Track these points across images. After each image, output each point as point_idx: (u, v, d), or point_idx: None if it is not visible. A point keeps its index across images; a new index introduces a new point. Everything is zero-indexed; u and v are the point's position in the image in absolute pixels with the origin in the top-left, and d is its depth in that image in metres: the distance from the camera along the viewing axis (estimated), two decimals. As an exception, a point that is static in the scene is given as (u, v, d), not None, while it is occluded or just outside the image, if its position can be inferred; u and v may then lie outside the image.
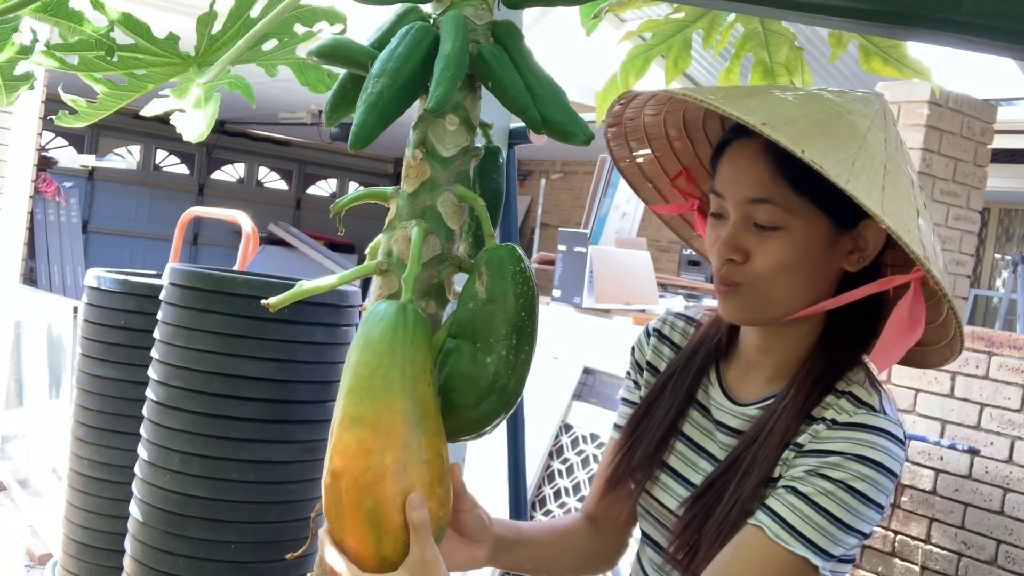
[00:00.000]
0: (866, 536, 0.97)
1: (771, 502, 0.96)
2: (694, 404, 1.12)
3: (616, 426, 1.22)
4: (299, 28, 1.27)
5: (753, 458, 0.99)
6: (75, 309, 3.85)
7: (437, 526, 0.87)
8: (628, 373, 1.23)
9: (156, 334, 2.13)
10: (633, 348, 1.23)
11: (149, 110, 1.31)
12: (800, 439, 0.99)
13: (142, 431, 2.13)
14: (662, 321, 1.22)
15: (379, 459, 0.84)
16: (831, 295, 1.02)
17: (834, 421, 0.97)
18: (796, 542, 0.93)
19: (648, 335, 1.22)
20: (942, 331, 1.02)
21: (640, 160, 1.19)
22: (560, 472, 3.39)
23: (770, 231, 0.98)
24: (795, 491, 0.95)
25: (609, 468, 1.15)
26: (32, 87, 1.30)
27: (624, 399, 1.23)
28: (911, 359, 1.06)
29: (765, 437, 1.00)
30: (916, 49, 1.32)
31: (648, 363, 1.20)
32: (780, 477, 0.98)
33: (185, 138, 1.36)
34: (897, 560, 3.30)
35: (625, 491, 1.16)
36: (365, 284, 1.04)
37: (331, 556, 0.87)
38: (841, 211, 0.97)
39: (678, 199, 1.20)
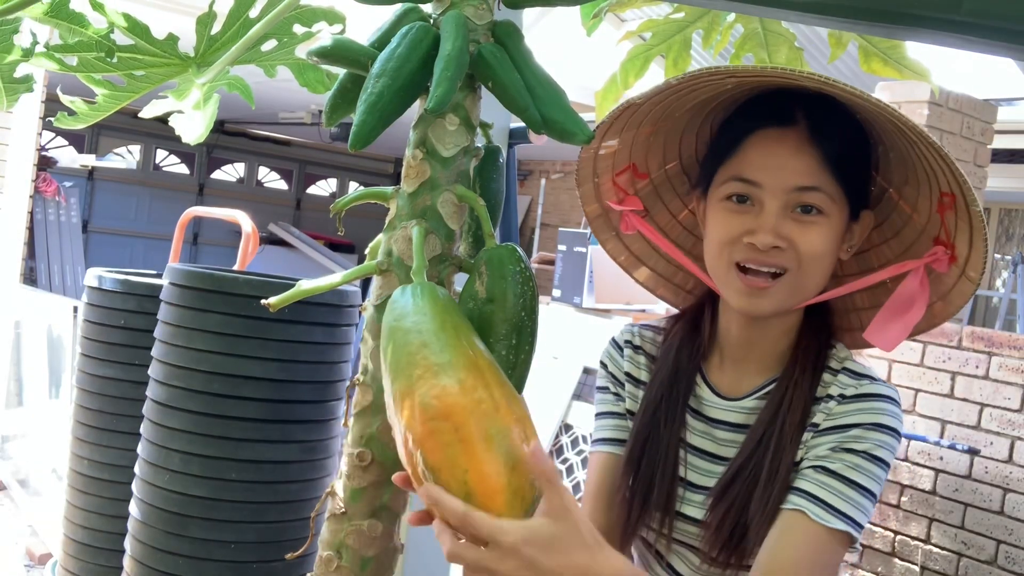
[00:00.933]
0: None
1: (804, 484, 0.98)
2: (690, 412, 1.12)
3: (602, 440, 1.18)
4: (298, 28, 1.27)
5: (778, 443, 1.01)
6: (75, 309, 3.85)
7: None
8: (603, 388, 1.21)
9: (156, 334, 2.13)
10: (603, 363, 1.22)
11: (148, 111, 1.31)
12: (815, 419, 1.02)
13: (142, 431, 2.13)
14: (629, 333, 1.22)
15: (488, 393, 0.78)
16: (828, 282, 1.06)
17: (843, 396, 1.01)
18: (835, 519, 0.96)
19: (620, 347, 1.21)
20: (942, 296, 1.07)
21: (602, 152, 1.16)
22: (560, 472, 3.40)
23: (814, 217, 1.00)
24: (825, 470, 0.98)
25: (623, 513, 1.11)
26: (32, 90, 1.30)
27: (605, 413, 1.20)
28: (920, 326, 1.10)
29: (783, 421, 1.02)
30: (916, 49, 1.32)
31: (627, 374, 1.19)
32: (801, 460, 1.01)
33: (184, 139, 1.36)
34: (897, 560, 3.30)
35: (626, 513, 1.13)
36: (365, 284, 1.04)
37: (450, 503, 0.74)
38: (857, 201, 1.03)
39: (611, 197, 1.18)
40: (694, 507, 1.07)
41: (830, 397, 1.02)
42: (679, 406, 1.11)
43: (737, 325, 1.09)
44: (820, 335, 1.07)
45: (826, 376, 1.04)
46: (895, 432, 0.99)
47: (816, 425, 1.01)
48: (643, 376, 1.18)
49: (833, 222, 1.01)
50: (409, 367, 0.80)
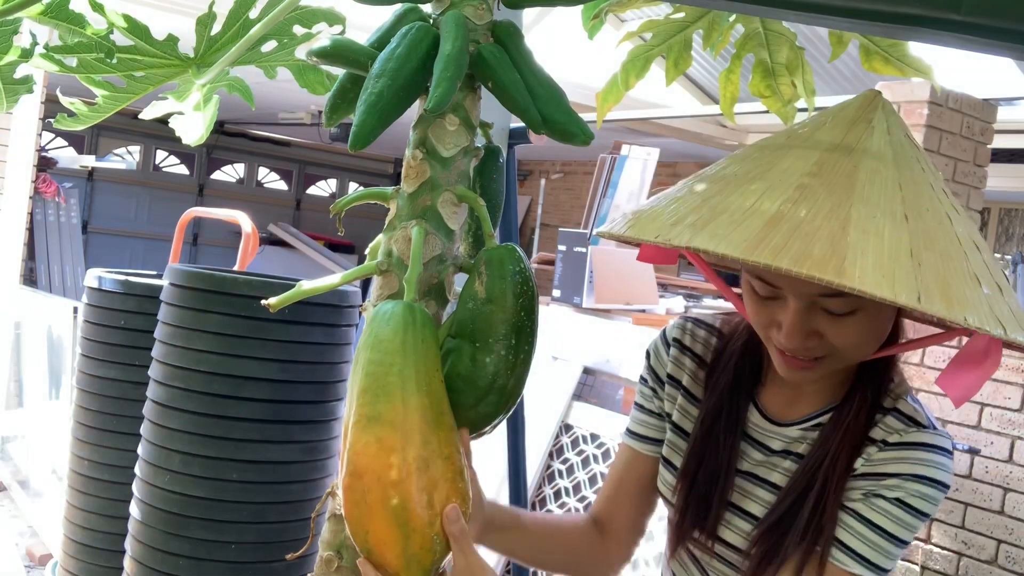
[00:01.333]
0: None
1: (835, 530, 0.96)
2: (741, 435, 1.08)
3: (632, 433, 1.18)
4: (298, 29, 1.27)
5: (822, 488, 0.97)
6: (75, 309, 3.85)
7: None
8: (644, 379, 1.18)
9: (156, 334, 2.13)
10: (649, 353, 1.18)
11: (148, 113, 1.31)
12: (855, 463, 0.98)
13: (142, 431, 2.13)
14: (681, 329, 1.16)
15: (401, 456, 0.82)
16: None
17: (885, 442, 0.97)
18: (855, 563, 0.95)
19: (667, 344, 1.16)
20: None
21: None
22: (560, 472, 3.39)
23: (845, 316, 0.92)
24: (854, 513, 0.96)
25: (675, 520, 1.10)
26: (31, 91, 1.30)
27: (640, 406, 1.18)
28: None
29: (832, 462, 0.98)
30: (916, 48, 1.31)
31: (669, 376, 1.15)
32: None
33: (184, 141, 1.35)
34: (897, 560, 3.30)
35: (647, 503, 1.14)
36: (365, 284, 1.04)
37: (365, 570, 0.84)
38: None
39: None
40: (735, 533, 1.05)
41: (873, 441, 0.98)
42: (736, 431, 1.07)
43: None
44: (876, 369, 1.01)
45: (876, 415, 0.99)
46: (938, 484, 0.94)
47: (854, 469, 0.98)
48: (685, 380, 1.13)
49: (871, 310, 0.92)
50: (352, 405, 0.86)
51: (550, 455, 3.44)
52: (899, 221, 0.82)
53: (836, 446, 0.98)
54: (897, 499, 0.94)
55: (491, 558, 3.31)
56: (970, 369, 0.90)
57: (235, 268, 3.33)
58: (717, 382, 1.10)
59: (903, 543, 0.95)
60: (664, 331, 1.18)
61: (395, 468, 0.82)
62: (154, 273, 2.86)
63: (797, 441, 1.03)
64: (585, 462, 3.32)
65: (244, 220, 3.83)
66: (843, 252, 0.77)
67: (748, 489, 1.06)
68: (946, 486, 0.95)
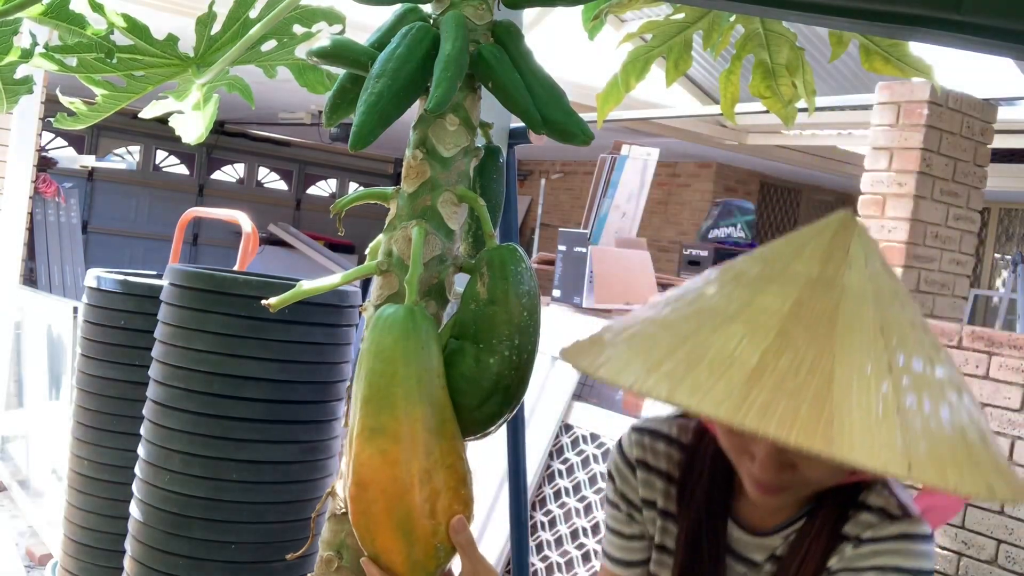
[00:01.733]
0: None
1: None
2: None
3: (613, 559, 1.13)
4: (298, 29, 1.27)
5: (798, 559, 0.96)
6: (75, 309, 3.85)
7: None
8: (615, 504, 1.12)
9: (156, 334, 2.13)
10: (613, 477, 1.12)
11: (148, 112, 1.31)
12: (830, 562, 0.96)
13: (142, 431, 2.13)
14: (641, 448, 1.11)
15: (405, 469, 0.85)
16: None
17: (859, 538, 0.95)
18: None
19: (632, 467, 1.11)
20: None
21: None
22: (560, 472, 3.39)
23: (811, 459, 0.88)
24: None
25: None
26: (31, 91, 1.30)
27: (618, 532, 1.13)
28: None
29: (802, 562, 0.97)
30: (916, 48, 1.31)
31: (643, 499, 1.10)
32: None
33: (184, 140, 1.35)
34: None
35: None
36: (365, 284, 1.04)
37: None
38: None
39: None
40: None
41: (846, 538, 0.96)
42: (718, 547, 1.04)
43: None
44: (853, 473, 0.96)
45: (849, 512, 0.97)
46: (914, 572, 0.93)
47: (828, 569, 0.96)
48: (659, 501, 1.09)
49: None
50: (356, 414, 0.88)
51: (550, 455, 3.44)
52: (883, 372, 0.78)
53: (807, 546, 0.97)
54: None
55: (491, 557, 3.31)
56: (947, 501, 0.89)
57: (235, 268, 3.33)
58: (692, 499, 1.06)
59: None
60: (622, 451, 1.13)
61: (399, 481, 0.84)
62: (154, 273, 2.86)
63: (781, 548, 1.02)
64: (585, 462, 3.32)
65: (244, 220, 3.83)
66: (830, 416, 0.74)
67: None
68: (927, 572, 0.94)
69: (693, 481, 1.06)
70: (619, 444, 1.13)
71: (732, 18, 1.37)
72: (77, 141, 10.81)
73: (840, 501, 0.97)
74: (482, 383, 0.91)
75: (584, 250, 4.01)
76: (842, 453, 0.72)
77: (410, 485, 0.85)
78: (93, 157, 10.27)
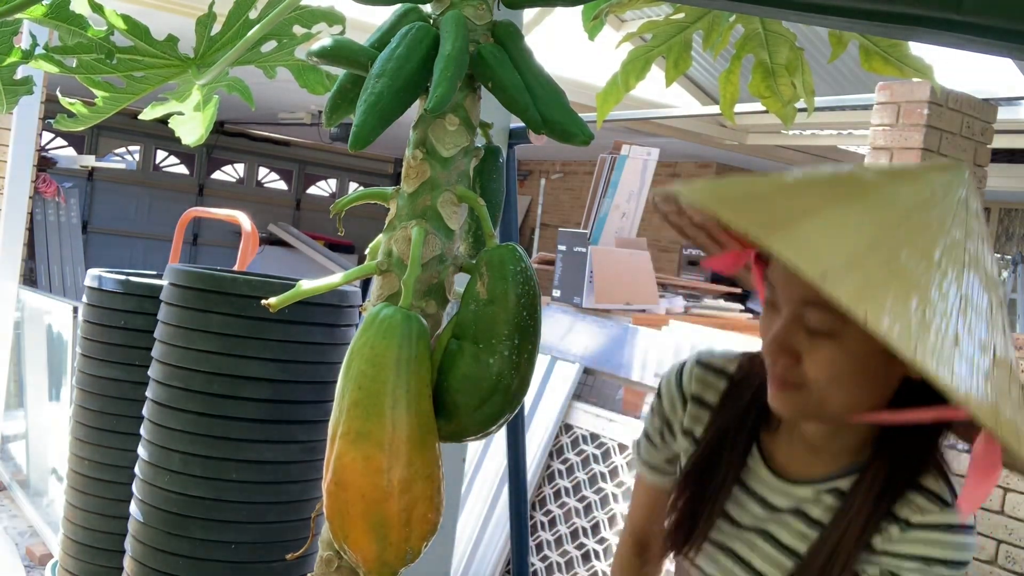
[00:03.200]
0: None
1: None
2: (738, 484, 1.05)
3: (648, 465, 1.15)
4: (298, 29, 1.27)
5: (838, 556, 0.94)
6: (75, 309, 3.85)
7: (432, 532, 0.91)
8: (656, 420, 1.14)
9: (156, 334, 2.13)
10: (662, 397, 1.13)
11: (148, 114, 1.31)
12: (873, 540, 0.95)
13: (142, 431, 2.13)
14: (702, 384, 1.10)
15: (386, 477, 0.86)
16: (892, 395, 0.94)
17: (907, 522, 0.93)
18: None
19: (684, 399, 1.11)
20: None
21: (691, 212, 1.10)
22: (560, 472, 3.39)
23: (822, 338, 0.89)
24: None
25: (670, 533, 1.09)
26: (31, 92, 1.30)
27: (650, 439, 1.15)
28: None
29: (850, 534, 0.94)
30: (916, 48, 1.31)
31: (685, 430, 1.11)
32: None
33: (184, 142, 1.36)
34: None
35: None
36: (365, 284, 1.04)
37: None
38: None
39: (731, 244, 1.08)
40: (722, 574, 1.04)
41: (896, 519, 0.94)
42: (732, 472, 1.04)
43: None
44: (908, 443, 0.96)
45: (906, 491, 0.94)
46: (959, 565, 0.92)
47: (871, 546, 0.95)
48: (699, 432, 1.10)
49: (848, 344, 0.88)
50: (340, 417, 0.88)
51: (550, 455, 3.44)
52: (946, 294, 0.78)
53: (851, 516, 0.94)
54: None
55: (491, 557, 3.31)
56: (977, 479, 0.83)
57: (235, 268, 3.33)
58: (721, 421, 1.07)
59: None
60: (680, 380, 1.12)
61: (379, 488, 0.86)
62: (154, 273, 2.86)
63: (811, 503, 0.99)
64: (585, 462, 3.32)
65: (244, 220, 3.84)
66: (841, 264, 0.74)
67: (756, 544, 1.02)
68: (966, 563, 0.93)
69: (728, 407, 1.07)
70: (679, 371, 1.12)
71: (732, 18, 1.37)
72: (77, 141, 10.81)
73: (889, 471, 0.95)
74: (482, 383, 0.91)
75: (584, 250, 4.01)
76: (826, 286, 0.70)
77: (390, 494, 0.86)
78: (93, 157, 10.28)
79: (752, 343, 1.04)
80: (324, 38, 0.96)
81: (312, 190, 12.87)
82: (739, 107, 1.53)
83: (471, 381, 0.91)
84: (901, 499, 0.94)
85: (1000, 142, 4.54)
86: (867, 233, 0.79)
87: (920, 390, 0.88)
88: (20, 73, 1.27)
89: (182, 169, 11.75)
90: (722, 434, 1.06)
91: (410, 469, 0.87)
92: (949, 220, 0.82)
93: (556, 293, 4.09)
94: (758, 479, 1.03)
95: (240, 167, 12.22)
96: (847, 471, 0.98)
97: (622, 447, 3.22)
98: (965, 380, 0.75)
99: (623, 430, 3.24)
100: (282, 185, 12.63)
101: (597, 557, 3.14)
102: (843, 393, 0.91)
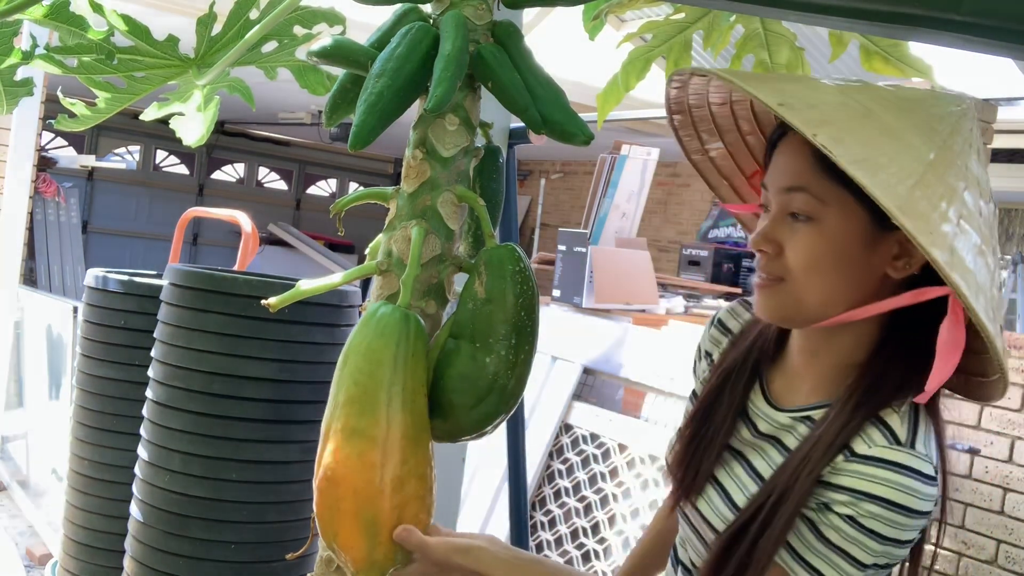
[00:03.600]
0: (891, 565, 0.92)
1: (792, 538, 0.92)
2: (742, 413, 1.06)
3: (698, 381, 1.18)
4: (299, 30, 1.27)
5: (785, 489, 0.92)
6: (75, 309, 3.85)
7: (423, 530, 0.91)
8: (699, 349, 1.19)
9: (156, 334, 2.13)
10: (705, 332, 1.18)
11: (148, 114, 1.31)
12: (823, 471, 0.92)
13: (142, 431, 2.13)
14: (730, 310, 1.15)
15: (380, 475, 0.86)
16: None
17: (852, 452, 0.90)
18: (802, 571, 0.91)
19: (712, 323, 1.17)
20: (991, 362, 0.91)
21: (714, 155, 1.14)
22: (560, 472, 3.39)
23: (803, 222, 0.92)
24: (808, 522, 0.91)
25: (673, 471, 1.09)
26: (32, 93, 1.30)
27: (694, 368, 1.19)
28: (966, 389, 1.00)
29: (803, 464, 0.92)
30: (916, 48, 1.32)
31: (706, 352, 1.16)
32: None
33: (185, 142, 1.36)
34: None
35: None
36: (365, 284, 1.04)
37: None
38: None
39: (755, 199, 1.12)
40: (713, 511, 1.03)
41: (845, 448, 0.91)
42: (735, 404, 1.05)
43: (797, 333, 1.02)
44: (882, 377, 0.94)
45: (867, 425, 0.92)
46: (900, 508, 0.87)
47: (821, 478, 0.92)
48: (716, 355, 1.14)
49: (827, 228, 0.91)
50: (334, 413, 0.89)
51: (550, 455, 3.44)
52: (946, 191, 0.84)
53: (810, 449, 0.93)
54: (849, 516, 0.88)
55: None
56: (938, 365, 0.87)
57: (235, 268, 3.33)
58: (734, 351, 1.09)
59: (861, 564, 0.88)
60: (722, 319, 1.16)
61: (372, 486, 0.85)
62: (154, 273, 2.86)
63: (785, 430, 1.00)
64: (585, 462, 3.32)
65: (244, 220, 3.84)
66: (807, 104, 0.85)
67: (733, 468, 1.03)
68: (913, 511, 0.88)
69: (743, 337, 1.09)
70: (728, 308, 1.16)
71: (732, 18, 1.37)
72: (77, 141, 10.81)
73: (858, 403, 0.93)
74: (479, 383, 0.91)
75: (584, 250, 4.01)
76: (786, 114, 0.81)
77: (382, 491, 0.86)
78: (93, 157, 10.28)
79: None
80: (324, 38, 0.96)
81: (312, 190, 12.87)
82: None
83: (467, 380, 0.91)
84: (861, 432, 0.91)
85: (1000, 142, 4.54)
86: (840, 94, 0.88)
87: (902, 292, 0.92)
88: (20, 73, 1.27)
89: (182, 169, 11.75)
90: (729, 368, 1.07)
91: (404, 467, 0.87)
92: (929, 119, 0.89)
93: (556, 293, 4.09)
94: (754, 406, 1.05)
95: (240, 167, 12.22)
96: (824, 403, 0.98)
97: (622, 447, 3.22)
98: (927, 222, 0.81)
99: (623, 430, 3.24)
100: (282, 185, 12.63)
101: (597, 557, 3.14)
102: (817, 284, 0.92)
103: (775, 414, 1.02)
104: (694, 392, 1.18)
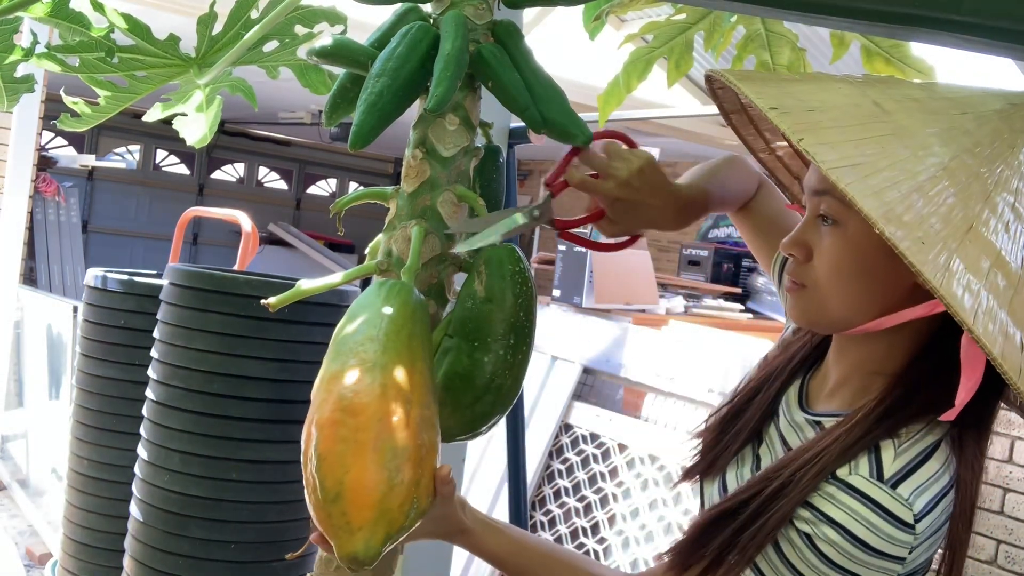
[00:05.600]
0: None
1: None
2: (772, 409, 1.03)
3: None
4: (300, 29, 1.27)
5: (786, 482, 0.89)
6: (75, 309, 3.85)
7: (422, 515, 0.81)
8: None
9: (156, 334, 2.13)
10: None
11: (151, 115, 1.32)
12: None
13: (142, 431, 2.13)
14: None
15: (405, 408, 0.76)
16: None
17: (833, 473, 0.87)
18: (751, 574, 0.89)
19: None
20: None
21: (780, 153, 1.12)
22: (560, 472, 3.39)
23: (830, 226, 0.90)
24: (781, 532, 0.88)
25: (689, 465, 1.07)
26: (32, 90, 1.30)
27: None
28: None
29: (807, 463, 0.88)
30: (917, 49, 1.32)
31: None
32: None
33: (188, 142, 1.36)
34: None
35: None
36: (365, 284, 1.04)
37: None
38: None
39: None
40: (710, 503, 1.02)
41: (831, 474, 0.87)
42: (771, 403, 1.02)
43: (833, 336, 1.00)
44: (908, 394, 0.89)
45: (859, 452, 0.87)
46: (858, 542, 0.83)
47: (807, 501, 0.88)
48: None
49: (850, 234, 0.88)
50: (347, 354, 0.81)
51: (550, 455, 3.44)
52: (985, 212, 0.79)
53: (825, 447, 0.88)
54: (806, 535, 0.85)
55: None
56: (966, 375, 0.83)
57: (235, 268, 3.33)
58: (783, 354, 1.06)
59: None
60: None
61: (397, 415, 0.75)
62: (154, 273, 2.86)
63: (794, 430, 0.98)
64: (585, 462, 3.32)
65: (244, 220, 3.84)
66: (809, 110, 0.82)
67: (743, 463, 1.01)
68: (874, 549, 0.83)
69: (796, 341, 1.07)
70: None
71: (733, 19, 1.37)
72: (77, 140, 10.81)
73: (881, 421, 0.88)
74: (475, 381, 0.91)
75: (584, 250, 4.01)
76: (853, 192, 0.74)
77: (408, 423, 0.76)
78: (93, 156, 10.28)
79: (752, 342, 1.05)
80: (325, 37, 0.96)
81: (312, 190, 12.87)
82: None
83: (464, 379, 0.91)
84: (852, 458, 0.87)
85: (1000, 143, 4.53)
86: (848, 95, 0.85)
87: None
88: (21, 71, 1.27)
89: (182, 169, 11.74)
90: (774, 366, 1.05)
91: (428, 410, 0.79)
92: (983, 142, 0.83)
93: (556, 293, 4.09)
94: (786, 401, 1.02)
95: (240, 167, 12.22)
96: (839, 412, 0.95)
97: (622, 447, 3.22)
98: (923, 231, 0.76)
99: (623, 430, 3.24)
100: (282, 185, 12.63)
101: (597, 557, 3.13)
102: (841, 290, 0.90)
103: (796, 412, 0.99)
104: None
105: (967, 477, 0.89)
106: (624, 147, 1.01)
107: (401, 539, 0.79)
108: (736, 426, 1.03)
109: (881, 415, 0.88)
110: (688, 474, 1.06)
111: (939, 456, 0.87)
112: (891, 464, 0.86)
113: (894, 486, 0.85)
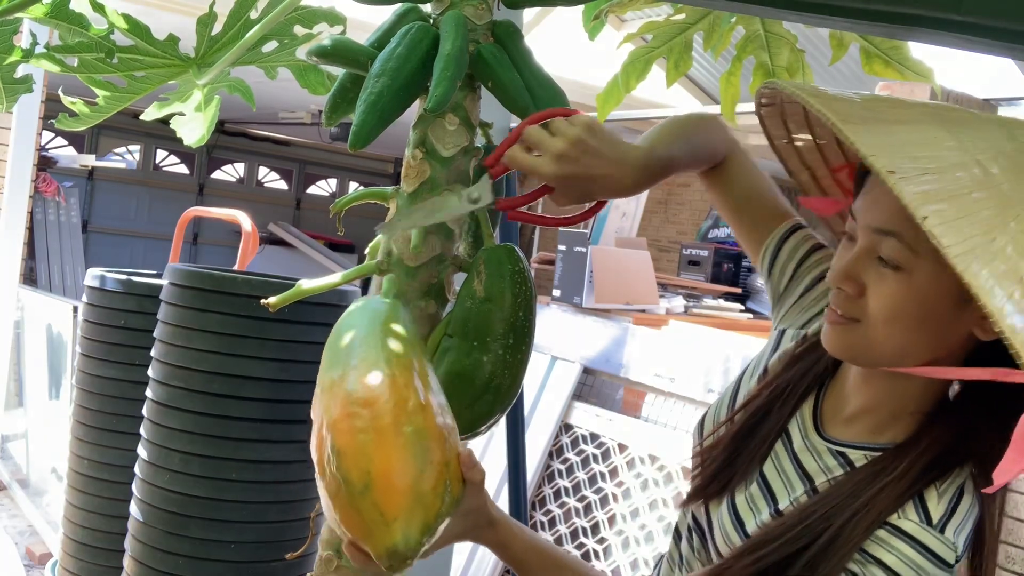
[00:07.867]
0: None
1: None
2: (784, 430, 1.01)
3: None
4: (299, 29, 1.27)
5: (841, 527, 0.86)
6: (75, 309, 3.85)
7: (455, 503, 0.78)
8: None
9: (156, 334, 2.13)
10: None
11: (149, 114, 1.32)
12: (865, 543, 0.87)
13: (142, 431, 2.13)
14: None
15: (420, 395, 0.74)
16: (952, 361, 0.87)
17: (885, 521, 0.86)
18: None
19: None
20: None
21: (799, 144, 1.10)
22: (560, 472, 3.39)
23: (890, 269, 0.85)
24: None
25: (696, 479, 1.04)
26: (31, 90, 1.30)
27: None
28: None
29: (853, 514, 0.87)
30: (917, 49, 1.32)
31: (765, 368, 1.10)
32: None
33: (186, 142, 1.36)
34: None
35: None
36: (365, 284, 1.04)
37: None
38: None
39: (836, 193, 1.08)
40: (723, 538, 0.99)
41: (884, 521, 0.86)
42: (783, 418, 1.00)
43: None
44: (955, 439, 0.88)
45: (907, 499, 0.86)
46: None
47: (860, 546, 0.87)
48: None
49: (916, 281, 0.84)
50: (347, 357, 0.79)
51: (550, 455, 3.44)
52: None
53: (877, 492, 0.86)
54: (853, 573, 0.85)
55: (491, 557, 3.31)
56: (1017, 454, 0.78)
57: (235, 268, 3.33)
58: (787, 371, 1.03)
59: None
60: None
61: (413, 399, 0.72)
62: (154, 273, 2.86)
63: (812, 456, 0.95)
64: (585, 462, 3.32)
65: (244, 219, 3.84)
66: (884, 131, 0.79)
67: (755, 500, 0.97)
68: None
69: (795, 364, 1.03)
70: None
71: (733, 19, 1.37)
72: (77, 140, 10.80)
73: (928, 469, 0.87)
74: (475, 381, 0.91)
75: (584, 250, 4.01)
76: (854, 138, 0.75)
77: (425, 405, 0.73)
78: (93, 156, 10.28)
79: (752, 343, 1.04)
80: (324, 38, 0.96)
81: (312, 190, 12.86)
82: (740, 107, 1.53)
83: (463, 378, 0.91)
84: (902, 506, 0.86)
85: (1000, 143, 4.52)
86: (953, 150, 0.79)
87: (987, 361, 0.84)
88: (20, 71, 1.27)
89: (182, 169, 11.74)
90: (780, 389, 1.02)
91: (440, 397, 0.78)
92: None
93: (556, 293, 4.09)
94: (800, 419, 0.99)
95: (240, 167, 12.22)
96: (861, 445, 0.93)
97: (622, 447, 3.22)
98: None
99: (623, 430, 3.24)
100: (282, 185, 12.62)
101: (597, 557, 3.13)
102: (896, 335, 0.86)
103: (814, 436, 0.97)
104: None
105: (992, 510, 0.90)
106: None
107: (439, 531, 0.75)
108: (749, 446, 1.00)
109: (928, 464, 0.87)
110: (696, 495, 1.04)
111: (968, 491, 0.88)
112: (936, 507, 0.86)
113: (942, 530, 0.85)
